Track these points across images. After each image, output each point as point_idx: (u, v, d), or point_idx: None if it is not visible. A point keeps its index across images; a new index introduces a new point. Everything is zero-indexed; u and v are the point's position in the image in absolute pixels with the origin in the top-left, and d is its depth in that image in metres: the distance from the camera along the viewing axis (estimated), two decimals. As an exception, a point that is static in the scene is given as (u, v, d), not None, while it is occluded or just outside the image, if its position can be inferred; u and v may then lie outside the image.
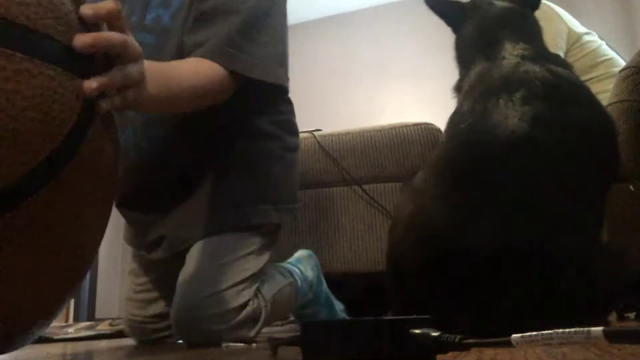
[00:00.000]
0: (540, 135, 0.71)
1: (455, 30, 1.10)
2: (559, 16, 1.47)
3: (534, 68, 0.81)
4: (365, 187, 1.37)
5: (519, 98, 0.76)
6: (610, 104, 1.01)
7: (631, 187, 0.93)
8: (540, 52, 0.89)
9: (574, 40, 1.44)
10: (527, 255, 0.65)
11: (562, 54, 1.40)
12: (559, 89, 0.79)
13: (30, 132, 0.42)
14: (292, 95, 1.07)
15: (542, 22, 1.38)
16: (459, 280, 0.66)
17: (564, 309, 0.63)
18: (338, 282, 1.47)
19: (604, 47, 1.49)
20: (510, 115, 0.74)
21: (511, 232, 0.65)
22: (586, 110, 0.79)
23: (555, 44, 1.40)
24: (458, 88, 0.97)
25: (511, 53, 0.88)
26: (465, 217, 0.68)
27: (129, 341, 1.16)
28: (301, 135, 1.48)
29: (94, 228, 0.54)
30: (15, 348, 0.51)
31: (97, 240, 0.56)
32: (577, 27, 1.50)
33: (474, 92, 0.84)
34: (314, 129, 1.51)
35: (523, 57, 0.85)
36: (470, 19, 1.04)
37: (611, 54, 1.48)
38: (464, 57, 1.05)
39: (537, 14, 1.30)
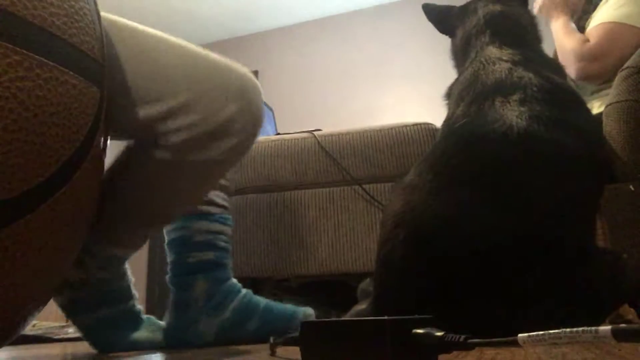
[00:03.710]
0: (539, 133, 0.71)
1: (450, 36, 1.13)
2: None
3: (528, 74, 0.82)
4: (365, 187, 1.37)
5: (516, 100, 0.76)
6: (610, 104, 1.01)
7: (631, 187, 0.93)
8: (531, 57, 0.89)
9: None
10: (520, 255, 0.64)
11: None
12: (555, 94, 0.79)
13: (55, 137, 0.43)
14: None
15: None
16: (448, 279, 0.65)
17: (558, 310, 0.63)
18: (338, 282, 1.47)
19: None
20: (508, 114, 0.74)
21: (505, 231, 0.64)
22: (581, 116, 0.80)
23: None
24: (448, 95, 0.98)
25: (500, 58, 0.88)
26: (458, 214, 0.67)
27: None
28: (301, 135, 1.48)
29: (89, 226, 0.55)
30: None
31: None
32: None
33: (465, 97, 0.85)
34: (314, 129, 1.51)
35: (514, 63, 0.86)
36: (461, 26, 1.06)
37: None
38: (458, 63, 1.07)
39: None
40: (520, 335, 0.34)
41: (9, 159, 0.40)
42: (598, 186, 0.79)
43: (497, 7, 1.01)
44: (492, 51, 0.91)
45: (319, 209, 1.40)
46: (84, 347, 1.09)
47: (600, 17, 1.39)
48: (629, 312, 1.01)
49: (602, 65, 1.29)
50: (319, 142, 1.43)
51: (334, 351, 0.42)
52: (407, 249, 0.69)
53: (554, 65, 0.94)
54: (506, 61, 0.87)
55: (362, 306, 0.83)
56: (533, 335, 0.33)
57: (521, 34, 0.98)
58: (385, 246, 0.72)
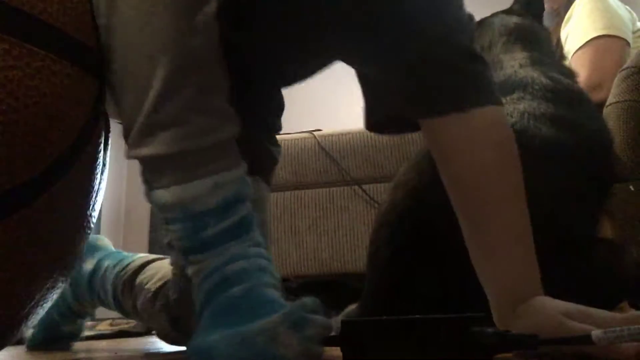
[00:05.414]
0: (529, 129, 0.71)
1: None
2: (623, 6, 1.48)
3: (532, 74, 0.82)
4: (365, 187, 1.37)
5: (514, 98, 0.76)
6: (610, 104, 1.01)
7: (631, 187, 0.93)
8: (540, 59, 0.89)
9: (636, 28, 1.45)
10: None
11: (629, 39, 1.39)
12: (559, 93, 0.79)
13: (48, 130, 0.42)
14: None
15: (615, 7, 1.39)
16: (432, 279, 0.65)
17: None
18: (338, 282, 1.47)
19: None
20: None
21: None
22: (585, 114, 0.80)
23: (626, 28, 1.39)
24: None
25: (508, 63, 0.88)
26: (438, 213, 0.66)
27: (130, 341, 1.16)
28: (301, 135, 1.48)
29: (89, 224, 0.55)
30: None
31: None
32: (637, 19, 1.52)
33: None
34: (314, 129, 1.51)
35: (522, 64, 0.86)
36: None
37: None
38: None
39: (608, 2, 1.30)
40: (594, 332, 0.32)
41: None
42: (598, 183, 0.79)
43: (514, 19, 1.01)
44: (504, 59, 0.91)
45: (319, 209, 1.40)
46: (84, 347, 1.09)
47: (578, 36, 1.36)
48: (629, 312, 1.01)
49: (606, 87, 1.27)
50: (319, 142, 1.43)
51: (378, 352, 0.39)
52: (390, 249, 0.69)
53: (564, 68, 0.94)
54: (512, 66, 0.87)
55: (353, 306, 0.83)
56: (609, 331, 0.31)
57: (535, 41, 0.98)
58: (371, 247, 0.73)
